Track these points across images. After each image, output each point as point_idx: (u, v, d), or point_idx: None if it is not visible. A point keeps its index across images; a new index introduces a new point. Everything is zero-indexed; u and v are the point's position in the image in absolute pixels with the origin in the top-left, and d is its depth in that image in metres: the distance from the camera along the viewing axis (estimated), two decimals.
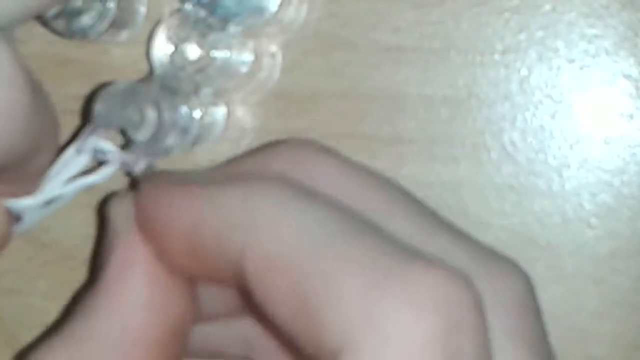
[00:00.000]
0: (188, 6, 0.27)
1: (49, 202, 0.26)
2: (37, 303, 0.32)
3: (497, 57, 0.30)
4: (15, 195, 0.25)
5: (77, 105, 0.30)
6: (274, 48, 0.30)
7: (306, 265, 0.20)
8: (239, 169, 0.26)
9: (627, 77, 0.29)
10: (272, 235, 0.21)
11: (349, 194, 0.23)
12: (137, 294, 0.24)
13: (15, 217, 0.26)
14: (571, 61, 0.30)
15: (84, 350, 0.24)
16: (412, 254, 0.20)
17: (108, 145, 0.26)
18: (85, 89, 0.30)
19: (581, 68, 0.30)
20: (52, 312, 0.32)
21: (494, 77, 0.30)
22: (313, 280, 0.20)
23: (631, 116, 0.30)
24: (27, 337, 0.32)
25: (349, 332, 0.19)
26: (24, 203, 0.26)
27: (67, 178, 0.26)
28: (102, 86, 0.27)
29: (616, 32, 0.29)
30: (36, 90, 0.23)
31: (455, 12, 0.30)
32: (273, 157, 0.25)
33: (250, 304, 0.24)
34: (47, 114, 0.25)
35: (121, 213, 0.24)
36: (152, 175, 0.25)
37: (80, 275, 0.32)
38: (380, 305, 0.19)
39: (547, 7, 0.29)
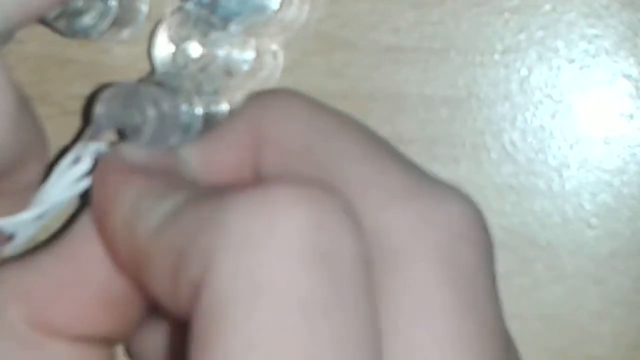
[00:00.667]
0: (189, 5, 0.27)
1: (42, 215, 0.26)
2: None
3: (497, 57, 0.30)
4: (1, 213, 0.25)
5: (77, 105, 0.30)
6: (275, 47, 0.30)
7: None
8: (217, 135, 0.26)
9: (627, 77, 0.29)
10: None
11: (308, 134, 0.23)
12: (99, 247, 0.24)
13: (6, 237, 0.25)
14: (571, 61, 0.30)
15: (38, 279, 0.24)
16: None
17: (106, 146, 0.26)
18: (86, 89, 0.30)
19: (581, 68, 0.30)
20: None
21: (494, 77, 0.30)
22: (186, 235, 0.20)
23: (631, 116, 0.30)
24: None
25: (209, 255, 0.18)
26: (16, 220, 0.25)
27: (63, 187, 0.25)
28: (102, 87, 0.27)
29: (616, 32, 0.29)
30: (22, 101, 0.23)
31: (455, 12, 0.30)
32: (246, 112, 0.25)
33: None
34: (33, 127, 0.24)
35: None
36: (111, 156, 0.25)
37: None
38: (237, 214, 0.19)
39: (547, 7, 0.29)
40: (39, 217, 0.26)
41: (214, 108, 0.28)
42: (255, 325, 0.17)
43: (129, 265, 0.22)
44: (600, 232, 0.30)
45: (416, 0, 0.30)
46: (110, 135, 0.26)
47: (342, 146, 0.23)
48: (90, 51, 0.30)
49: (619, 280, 0.30)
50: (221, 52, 0.28)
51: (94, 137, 0.25)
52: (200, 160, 0.25)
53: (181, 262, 0.19)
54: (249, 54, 0.29)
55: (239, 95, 0.30)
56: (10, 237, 0.25)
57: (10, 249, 0.26)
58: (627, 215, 0.30)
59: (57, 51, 0.30)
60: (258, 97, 0.25)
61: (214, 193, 0.20)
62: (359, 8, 0.30)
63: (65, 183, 0.25)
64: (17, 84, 0.23)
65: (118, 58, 0.30)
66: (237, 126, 0.25)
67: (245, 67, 0.29)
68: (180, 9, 0.28)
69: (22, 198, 0.25)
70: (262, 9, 0.28)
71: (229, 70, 0.28)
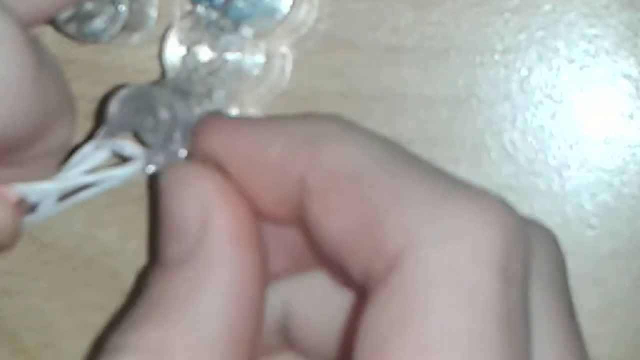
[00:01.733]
0: (200, 8, 0.27)
1: (65, 196, 0.26)
2: (37, 303, 0.32)
3: (497, 57, 0.30)
4: (25, 180, 0.25)
5: (78, 105, 0.30)
6: (284, 50, 0.30)
7: (371, 179, 0.21)
8: None
9: (627, 77, 0.30)
10: (336, 155, 0.22)
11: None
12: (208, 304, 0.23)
13: (29, 207, 0.25)
14: (571, 61, 0.30)
15: (176, 334, 0.22)
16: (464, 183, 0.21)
17: (131, 146, 0.26)
18: (86, 89, 0.30)
19: (581, 68, 0.30)
20: (52, 312, 0.32)
21: (494, 77, 0.30)
22: (379, 192, 0.21)
23: (631, 116, 0.30)
24: (26, 337, 0.32)
25: (413, 232, 0.20)
26: (40, 188, 0.25)
27: (85, 170, 0.26)
28: (115, 89, 0.27)
29: (616, 32, 0.29)
30: (45, 63, 0.23)
31: (455, 12, 0.30)
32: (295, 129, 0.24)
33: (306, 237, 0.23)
34: (59, 90, 0.24)
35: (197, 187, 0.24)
36: (207, 116, 0.25)
37: (80, 275, 0.32)
38: (446, 209, 0.20)
39: (547, 7, 0.29)
40: (61, 198, 0.26)
41: (224, 112, 0.28)
42: (453, 319, 0.19)
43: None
44: (600, 232, 0.30)
45: (416, 0, 0.30)
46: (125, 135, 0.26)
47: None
48: (90, 51, 0.30)
49: (619, 280, 0.30)
50: (231, 56, 0.28)
51: (108, 137, 0.26)
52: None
53: (375, 218, 0.20)
54: (259, 58, 0.29)
55: (249, 99, 0.30)
56: (33, 208, 0.25)
57: (30, 221, 0.26)
58: (627, 215, 0.30)
59: (57, 51, 0.30)
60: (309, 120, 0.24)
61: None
62: (359, 8, 0.30)
63: (85, 166, 0.26)
64: (43, 47, 0.23)
65: (118, 58, 0.30)
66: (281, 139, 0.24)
67: (256, 71, 0.29)
68: (191, 12, 0.28)
69: (46, 168, 0.25)
70: (272, 12, 0.28)
71: (239, 74, 0.28)
